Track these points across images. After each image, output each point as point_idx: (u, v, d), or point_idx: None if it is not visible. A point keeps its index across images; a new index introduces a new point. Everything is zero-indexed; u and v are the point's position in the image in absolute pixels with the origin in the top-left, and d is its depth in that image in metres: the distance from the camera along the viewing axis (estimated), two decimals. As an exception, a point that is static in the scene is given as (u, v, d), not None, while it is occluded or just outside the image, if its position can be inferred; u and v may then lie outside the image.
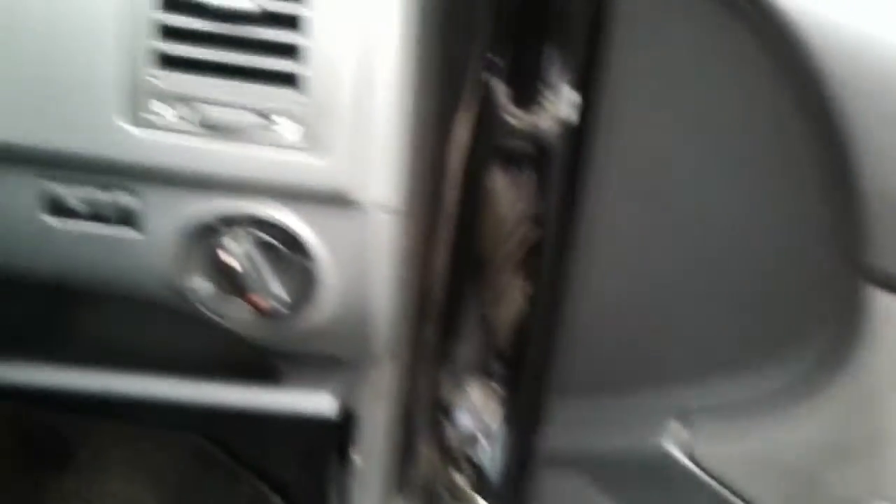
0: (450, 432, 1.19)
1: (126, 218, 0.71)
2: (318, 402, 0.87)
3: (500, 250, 1.04)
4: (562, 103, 0.86)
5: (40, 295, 0.94)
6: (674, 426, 0.86)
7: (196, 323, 0.79)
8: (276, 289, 0.72)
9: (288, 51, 0.65)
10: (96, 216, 0.71)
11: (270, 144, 0.66)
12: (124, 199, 0.70)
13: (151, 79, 0.65)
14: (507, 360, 1.12)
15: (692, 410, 0.84)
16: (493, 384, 1.17)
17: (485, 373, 1.19)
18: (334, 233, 0.70)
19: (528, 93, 0.95)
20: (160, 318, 0.93)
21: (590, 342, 0.87)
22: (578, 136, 0.84)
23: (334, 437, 0.96)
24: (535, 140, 0.93)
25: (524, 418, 1.02)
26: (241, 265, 0.70)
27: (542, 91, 0.94)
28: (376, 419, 1.02)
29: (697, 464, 0.85)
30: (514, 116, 0.94)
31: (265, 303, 0.72)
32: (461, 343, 1.20)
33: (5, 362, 0.87)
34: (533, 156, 0.96)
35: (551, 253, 0.91)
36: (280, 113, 0.66)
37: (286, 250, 0.71)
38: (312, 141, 0.66)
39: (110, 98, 0.66)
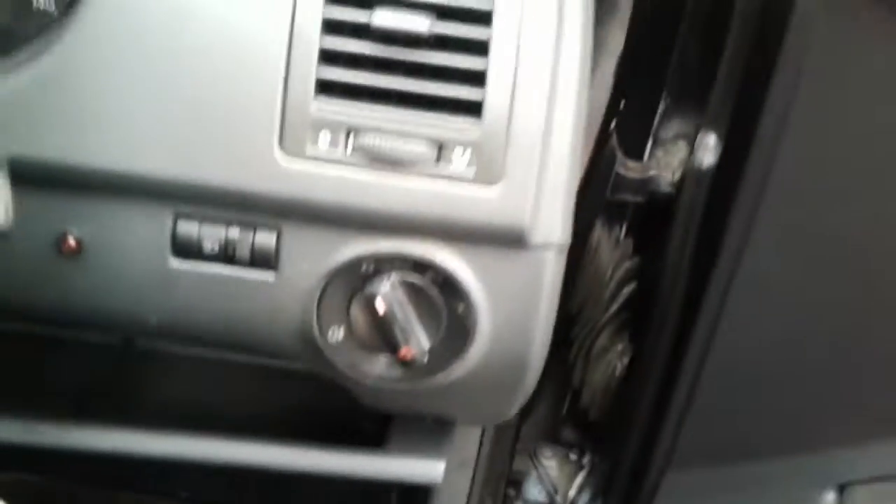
0: (519, 505, 1.13)
1: (262, 259, 0.64)
2: (427, 468, 0.81)
3: (596, 310, 0.99)
4: (697, 150, 0.82)
5: (113, 353, 0.87)
6: (830, 498, 0.79)
7: (307, 380, 0.73)
8: (424, 339, 0.65)
9: (465, 76, 0.60)
10: (228, 257, 0.64)
11: (440, 176, 0.61)
12: (264, 238, 0.63)
13: (311, 106, 0.60)
14: (596, 426, 1.06)
15: (853, 480, 0.77)
16: (571, 453, 1.11)
17: (557, 440, 1.13)
18: (496, 275, 0.64)
19: (642, 143, 0.91)
20: (250, 376, 0.86)
21: (723, 407, 0.81)
22: (716, 183, 0.80)
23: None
24: (650, 192, 0.89)
25: (625, 488, 0.96)
26: (389, 312, 0.64)
27: (660, 141, 0.90)
28: (455, 488, 0.96)
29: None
30: (627, 168, 0.90)
31: (410, 355, 0.65)
32: (534, 408, 1.14)
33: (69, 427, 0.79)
34: (645, 208, 0.92)
35: (672, 311, 0.85)
36: (452, 142, 0.60)
37: (440, 296, 0.65)
38: (486, 172, 0.61)
39: (266, 127, 0.59)
